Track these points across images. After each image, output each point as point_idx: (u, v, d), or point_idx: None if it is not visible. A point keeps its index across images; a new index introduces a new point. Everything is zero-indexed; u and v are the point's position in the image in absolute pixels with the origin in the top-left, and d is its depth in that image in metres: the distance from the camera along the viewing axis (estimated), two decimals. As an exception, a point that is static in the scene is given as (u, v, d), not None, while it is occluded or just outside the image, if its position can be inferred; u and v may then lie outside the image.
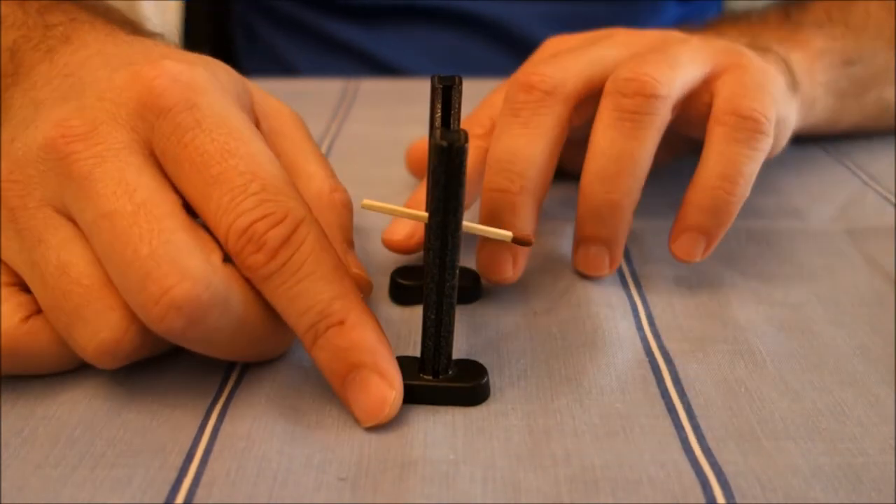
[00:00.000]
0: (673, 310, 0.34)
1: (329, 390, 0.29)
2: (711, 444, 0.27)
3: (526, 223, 0.33)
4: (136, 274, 0.25)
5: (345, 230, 0.33)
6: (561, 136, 0.34)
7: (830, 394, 0.29)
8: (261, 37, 0.73)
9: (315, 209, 0.29)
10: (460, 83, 0.30)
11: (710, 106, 0.35)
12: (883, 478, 0.25)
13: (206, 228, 0.27)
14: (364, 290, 0.32)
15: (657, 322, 0.33)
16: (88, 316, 0.26)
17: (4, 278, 0.28)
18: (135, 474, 0.25)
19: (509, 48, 0.66)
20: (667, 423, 0.28)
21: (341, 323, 0.27)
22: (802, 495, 0.25)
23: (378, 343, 0.27)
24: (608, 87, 0.34)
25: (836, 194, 0.45)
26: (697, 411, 0.28)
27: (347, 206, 0.34)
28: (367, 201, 0.28)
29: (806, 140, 0.50)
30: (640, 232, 0.40)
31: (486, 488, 0.25)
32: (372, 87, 0.61)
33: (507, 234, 0.29)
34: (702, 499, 0.24)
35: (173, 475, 0.25)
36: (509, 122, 0.34)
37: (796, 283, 0.36)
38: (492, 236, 0.29)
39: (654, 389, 0.29)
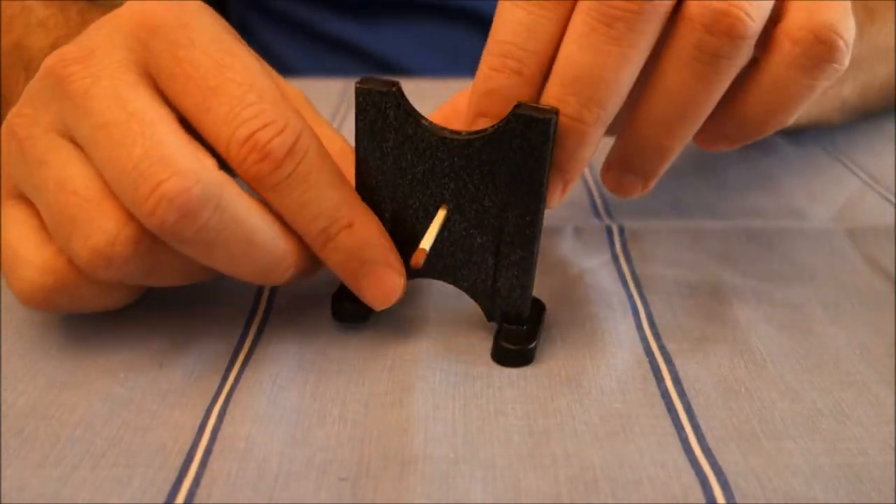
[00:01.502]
0: (673, 310, 0.34)
1: (329, 390, 0.29)
2: (711, 444, 0.27)
3: (582, 164, 0.29)
4: (130, 175, 0.26)
5: None
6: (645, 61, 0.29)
7: (830, 394, 0.29)
8: (255, 33, 0.73)
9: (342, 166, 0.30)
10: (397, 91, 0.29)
11: (775, 21, 0.29)
12: (883, 478, 0.25)
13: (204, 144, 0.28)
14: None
15: (657, 322, 0.33)
16: (83, 222, 0.27)
17: (38, 221, 0.29)
18: (135, 474, 0.25)
19: None
20: (667, 423, 0.28)
21: (350, 226, 0.29)
22: (802, 495, 0.25)
23: (382, 238, 0.30)
24: (694, 11, 0.27)
25: (836, 194, 0.45)
26: (697, 411, 0.28)
27: None
28: (424, 242, 0.29)
29: (806, 139, 0.51)
30: (640, 232, 0.40)
31: (486, 488, 0.25)
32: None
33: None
34: (702, 499, 0.24)
35: (173, 475, 0.25)
36: (596, 33, 0.27)
37: (796, 283, 0.36)
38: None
39: (654, 389, 0.29)
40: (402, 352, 0.31)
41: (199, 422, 0.27)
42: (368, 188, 0.30)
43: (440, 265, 0.31)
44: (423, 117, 0.29)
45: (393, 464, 0.26)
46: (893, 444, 0.27)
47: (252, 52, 0.30)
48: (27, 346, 0.31)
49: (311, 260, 0.30)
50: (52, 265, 0.28)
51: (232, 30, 0.31)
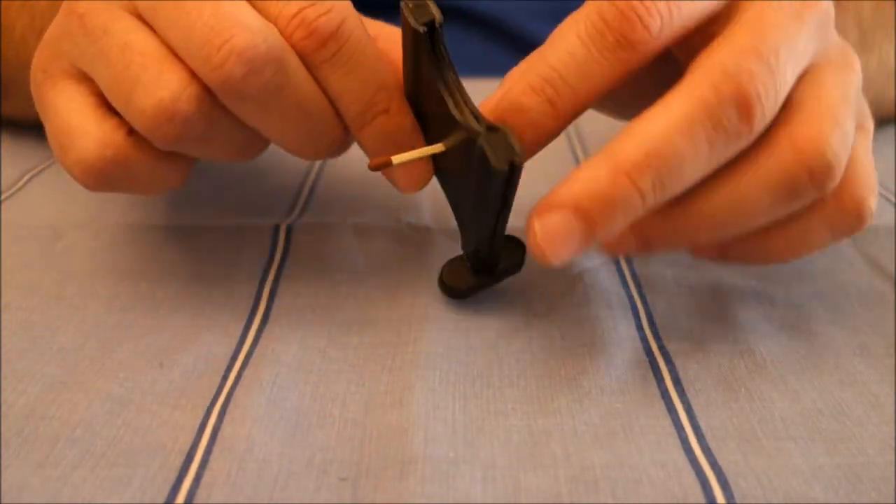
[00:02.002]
0: (673, 310, 0.34)
1: (329, 390, 0.29)
2: (711, 444, 0.27)
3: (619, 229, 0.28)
4: (200, 31, 0.27)
5: None
6: None
7: (830, 394, 0.29)
8: None
9: None
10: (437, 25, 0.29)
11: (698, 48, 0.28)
12: (883, 478, 0.25)
13: None
14: None
15: (657, 322, 0.33)
16: (148, 79, 0.28)
17: (96, 99, 0.30)
18: (135, 474, 0.25)
19: (506, 44, 0.65)
20: (667, 423, 0.28)
21: (386, 111, 0.30)
22: (802, 495, 0.25)
23: (415, 126, 0.31)
24: (800, 146, 0.27)
25: (836, 194, 0.45)
26: (697, 411, 0.28)
27: None
28: (396, 157, 0.30)
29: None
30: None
31: (486, 488, 0.25)
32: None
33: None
34: (702, 499, 0.24)
35: (173, 475, 0.25)
36: (701, 130, 0.26)
37: (796, 283, 0.36)
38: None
39: (654, 389, 0.29)
40: (402, 352, 0.31)
41: (199, 422, 0.27)
42: (406, 86, 0.31)
43: (444, 176, 0.32)
44: (446, 67, 0.29)
45: (393, 464, 0.26)
46: (893, 444, 0.27)
47: None
48: (27, 346, 0.31)
49: (350, 139, 0.32)
50: (112, 138, 0.29)
51: None
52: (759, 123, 0.26)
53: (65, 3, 0.30)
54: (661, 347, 0.32)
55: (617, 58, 0.27)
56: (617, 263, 0.37)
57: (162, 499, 0.24)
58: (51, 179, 0.45)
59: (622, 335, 0.32)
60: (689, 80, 0.26)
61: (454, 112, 0.28)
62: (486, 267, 0.33)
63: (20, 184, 0.44)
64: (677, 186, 0.26)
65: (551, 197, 0.26)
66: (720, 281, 0.36)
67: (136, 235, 0.39)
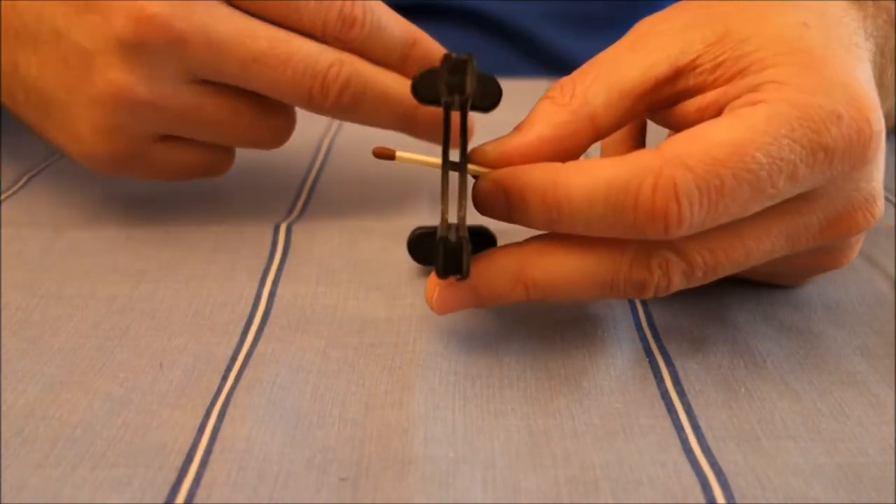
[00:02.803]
0: (673, 310, 0.34)
1: (329, 390, 0.29)
2: (711, 444, 0.27)
3: None
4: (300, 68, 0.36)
5: None
6: None
7: (830, 394, 0.29)
8: None
9: None
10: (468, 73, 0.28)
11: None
12: (883, 478, 0.25)
13: None
14: None
15: (657, 322, 0.33)
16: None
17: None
18: (135, 474, 0.25)
19: (513, 46, 0.65)
20: (667, 423, 0.28)
21: (415, 42, 0.38)
22: (802, 495, 0.25)
23: (438, 45, 0.39)
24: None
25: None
26: (697, 411, 0.28)
27: None
28: (399, 153, 0.30)
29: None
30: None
31: (485, 488, 0.25)
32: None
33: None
34: (702, 499, 0.24)
35: (173, 475, 0.25)
36: (786, 244, 0.30)
37: (796, 283, 0.36)
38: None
39: (654, 389, 0.29)
40: (402, 352, 0.31)
41: (199, 422, 0.27)
42: None
43: None
44: (447, 147, 0.29)
45: (393, 464, 0.26)
46: (893, 445, 0.27)
47: None
48: (27, 346, 0.31)
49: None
50: None
51: None
52: (682, 232, 0.26)
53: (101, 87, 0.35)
54: (661, 347, 0.32)
55: (624, 231, 0.27)
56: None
57: (162, 499, 0.24)
58: (51, 179, 0.45)
59: (622, 335, 0.32)
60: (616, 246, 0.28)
61: (442, 204, 0.29)
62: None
63: (20, 184, 0.44)
64: (563, 299, 0.30)
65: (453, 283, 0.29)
66: (720, 281, 0.36)
67: (136, 235, 0.39)
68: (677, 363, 0.31)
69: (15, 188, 0.43)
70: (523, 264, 0.29)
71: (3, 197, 0.42)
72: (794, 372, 0.30)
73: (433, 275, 0.29)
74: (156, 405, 0.28)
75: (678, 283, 0.28)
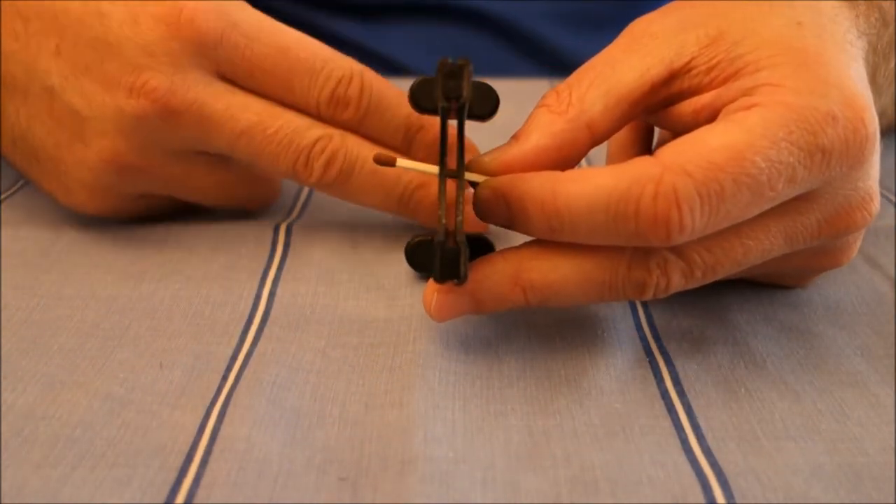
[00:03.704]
0: (673, 310, 0.34)
1: (329, 390, 0.29)
2: (711, 444, 0.27)
3: None
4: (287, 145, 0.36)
5: None
6: None
7: (830, 394, 0.29)
8: None
9: None
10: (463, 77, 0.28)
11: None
12: (883, 477, 0.25)
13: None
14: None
15: (657, 322, 0.33)
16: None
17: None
18: (135, 474, 0.25)
19: (515, 45, 0.65)
20: (667, 423, 0.28)
21: (422, 127, 0.37)
22: (802, 495, 0.25)
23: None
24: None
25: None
26: (697, 411, 0.28)
27: None
28: (400, 160, 0.31)
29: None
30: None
31: (485, 489, 0.25)
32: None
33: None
34: (702, 499, 0.24)
35: (173, 475, 0.25)
36: (784, 243, 0.30)
37: (796, 283, 0.36)
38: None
39: (654, 389, 0.29)
40: (401, 352, 0.31)
41: (199, 422, 0.27)
42: None
43: None
44: (446, 153, 0.29)
45: (393, 464, 0.26)
46: (893, 445, 0.27)
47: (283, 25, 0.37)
48: (27, 346, 0.31)
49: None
50: None
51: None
52: (684, 238, 0.26)
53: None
54: (661, 347, 0.32)
55: (620, 238, 0.27)
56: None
57: (162, 499, 0.24)
58: (51, 179, 0.45)
59: (622, 335, 0.32)
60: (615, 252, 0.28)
61: (439, 210, 0.28)
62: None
63: (20, 184, 0.44)
64: (562, 303, 0.30)
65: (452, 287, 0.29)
66: (720, 281, 0.36)
67: (136, 235, 0.39)
68: (677, 363, 0.31)
69: (15, 188, 0.43)
70: (521, 268, 0.29)
71: (3, 197, 0.42)
72: (794, 372, 0.30)
73: (431, 281, 0.29)
74: (156, 405, 0.28)
75: (677, 284, 0.28)
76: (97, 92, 0.35)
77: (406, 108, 0.34)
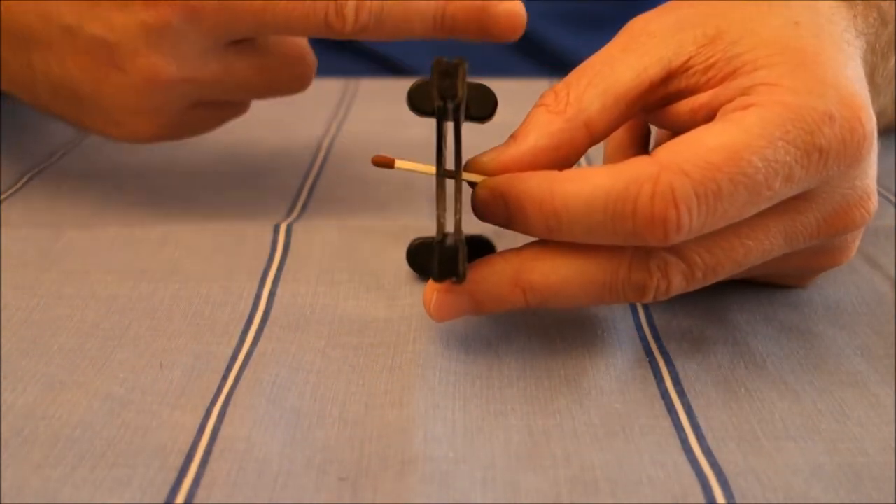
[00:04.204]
0: (673, 310, 0.34)
1: (329, 390, 0.29)
2: (711, 444, 0.27)
3: None
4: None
5: None
6: None
7: (830, 394, 0.29)
8: None
9: None
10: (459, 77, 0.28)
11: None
12: (883, 477, 0.25)
13: None
14: None
15: (657, 322, 0.33)
16: None
17: None
18: (135, 474, 0.25)
19: (514, 45, 0.65)
20: (667, 423, 0.28)
21: None
22: (802, 495, 0.25)
23: None
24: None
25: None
26: (697, 411, 0.28)
27: None
28: (399, 162, 0.30)
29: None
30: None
31: (485, 488, 0.25)
32: (372, 87, 0.61)
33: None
34: (702, 499, 0.24)
35: (173, 475, 0.25)
36: (779, 237, 0.29)
37: (796, 283, 0.36)
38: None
39: (654, 389, 0.29)
40: (401, 351, 0.31)
41: (199, 422, 0.27)
42: None
43: None
44: (443, 151, 0.29)
45: (393, 464, 0.26)
46: (893, 445, 0.27)
47: None
48: (27, 346, 0.31)
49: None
50: None
51: None
52: (681, 237, 0.26)
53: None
54: (661, 347, 0.32)
55: (619, 238, 0.27)
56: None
57: (162, 499, 0.24)
58: (51, 179, 0.45)
59: (622, 335, 0.32)
60: (620, 195, 0.27)
61: (438, 210, 0.28)
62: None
63: (20, 184, 0.44)
64: (562, 304, 0.30)
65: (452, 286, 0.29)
66: (720, 281, 0.36)
67: (136, 235, 0.39)
68: (677, 363, 0.31)
69: (15, 188, 0.43)
70: (521, 269, 0.29)
71: (3, 197, 0.42)
72: (794, 372, 0.30)
73: (431, 281, 0.29)
74: (156, 405, 0.28)
75: (678, 285, 0.28)
76: (115, 15, 0.35)
77: None
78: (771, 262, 0.30)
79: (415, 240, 0.33)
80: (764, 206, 0.27)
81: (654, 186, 0.26)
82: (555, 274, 0.29)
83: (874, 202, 0.30)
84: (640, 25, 0.31)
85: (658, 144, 0.30)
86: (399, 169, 0.31)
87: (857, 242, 0.32)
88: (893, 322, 0.33)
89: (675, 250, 0.28)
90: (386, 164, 0.30)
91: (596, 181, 0.27)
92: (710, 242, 0.28)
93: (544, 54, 0.66)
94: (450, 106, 0.28)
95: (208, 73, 0.37)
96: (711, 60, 0.28)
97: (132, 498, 0.24)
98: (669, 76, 0.29)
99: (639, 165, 0.26)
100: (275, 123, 0.53)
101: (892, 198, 0.44)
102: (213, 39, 0.36)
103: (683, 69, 0.29)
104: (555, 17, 0.66)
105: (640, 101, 0.29)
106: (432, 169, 0.30)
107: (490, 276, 0.29)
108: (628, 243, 0.27)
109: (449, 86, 0.28)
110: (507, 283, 0.29)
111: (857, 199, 0.29)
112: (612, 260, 0.28)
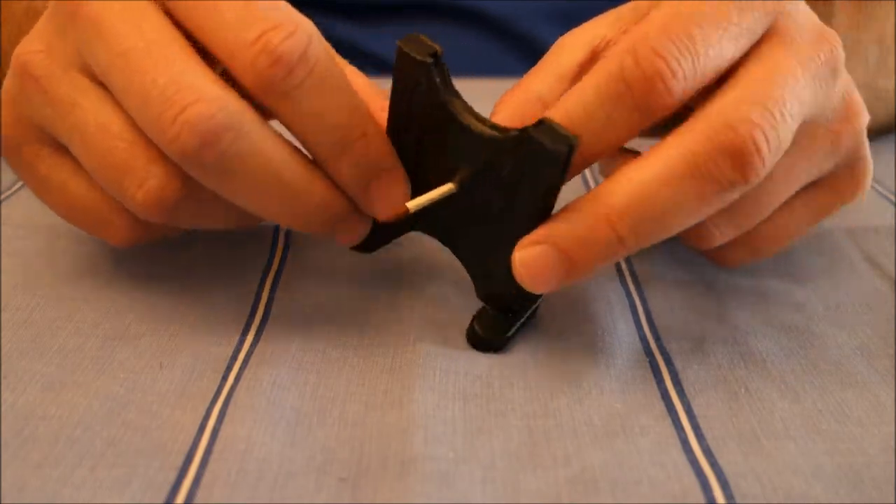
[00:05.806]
0: (673, 310, 0.34)
1: (329, 390, 0.29)
2: (711, 444, 0.27)
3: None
4: (156, 101, 0.26)
5: None
6: None
7: (831, 394, 0.29)
8: None
9: None
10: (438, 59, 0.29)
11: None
12: (883, 477, 0.25)
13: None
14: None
15: (657, 322, 0.33)
16: (135, 168, 0.28)
17: (47, 148, 0.31)
18: (135, 474, 0.25)
19: (510, 45, 0.65)
20: (667, 423, 0.28)
21: (365, 135, 0.28)
22: (803, 495, 0.25)
23: (393, 152, 0.30)
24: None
25: (836, 194, 0.45)
26: (697, 411, 0.28)
27: None
28: (410, 203, 0.29)
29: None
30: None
31: (485, 488, 0.25)
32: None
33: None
34: (702, 499, 0.24)
35: (173, 475, 0.25)
36: (693, 184, 0.26)
37: (796, 283, 0.36)
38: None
39: (654, 389, 0.29)
40: (402, 352, 0.31)
41: (199, 422, 0.27)
42: (393, 134, 0.30)
43: (442, 227, 0.32)
44: (453, 95, 0.29)
45: (393, 464, 0.26)
46: (893, 444, 0.27)
47: None
48: (27, 346, 0.31)
49: (346, 206, 0.30)
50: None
51: None
52: (758, 174, 0.26)
53: (15, 55, 0.30)
54: (661, 347, 0.32)
55: (632, 119, 0.27)
56: (616, 263, 0.37)
57: (162, 499, 0.24)
58: (51, 179, 0.45)
59: (622, 335, 0.32)
60: (686, 128, 0.27)
61: (479, 129, 0.28)
62: (509, 300, 0.31)
63: (20, 184, 0.44)
64: (661, 234, 0.27)
65: (536, 232, 0.27)
66: (720, 281, 0.36)
67: (136, 235, 0.39)
68: (677, 363, 0.31)
69: (15, 188, 0.43)
70: (599, 196, 0.27)
71: (2, 197, 0.42)
72: (794, 372, 0.30)
73: (517, 251, 0.28)
74: (156, 405, 0.28)
75: (768, 136, 0.26)
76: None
77: (353, 102, 0.28)
78: (799, 202, 0.32)
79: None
80: (741, 37, 0.27)
81: (633, 55, 0.26)
82: (640, 186, 0.26)
83: (858, 99, 0.31)
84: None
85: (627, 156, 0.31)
86: (415, 208, 0.29)
87: (868, 179, 0.34)
88: (893, 322, 0.33)
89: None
90: (400, 215, 0.29)
91: (581, 86, 0.27)
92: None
93: (540, 53, 0.66)
94: (436, 60, 0.28)
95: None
96: (624, 28, 0.31)
97: (132, 498, 0.24)
98: (594, 56, 0.31)
99: (611, 55, 0.27)
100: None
101: (893, 198, 0.44)
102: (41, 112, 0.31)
103: (604, 46, 0.31)
104: (551, 15, 0.66)
105: (578, 78, 0.30)
106: (444, 189, 0.30)
107: (569, 218, 0.27)
108: (644, 122, 0.27)
109: (420, 47, 0.28)
110: (594, 220, 0.26)
111: (850, 104, 0.31)
112: (684, 136, 0.26)
